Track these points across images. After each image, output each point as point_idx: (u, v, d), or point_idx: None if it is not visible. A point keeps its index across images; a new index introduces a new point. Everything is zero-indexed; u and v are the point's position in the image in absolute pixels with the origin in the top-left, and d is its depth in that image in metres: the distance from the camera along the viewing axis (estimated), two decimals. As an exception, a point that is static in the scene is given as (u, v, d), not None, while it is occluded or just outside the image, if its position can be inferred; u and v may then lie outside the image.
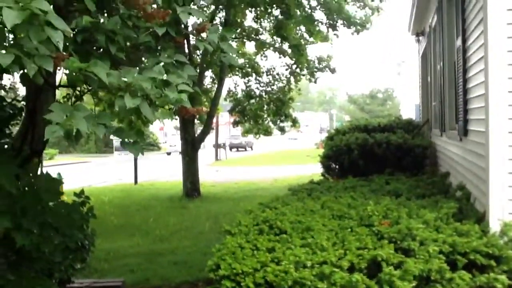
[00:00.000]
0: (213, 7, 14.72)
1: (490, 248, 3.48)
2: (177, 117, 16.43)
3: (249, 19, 16.52)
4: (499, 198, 3.82)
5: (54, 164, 29.48)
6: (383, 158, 7.96)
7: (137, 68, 2.95)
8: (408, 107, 30.55)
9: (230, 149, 47.61)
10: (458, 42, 5.53)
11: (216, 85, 16.69)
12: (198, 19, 3.79)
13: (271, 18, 15.70)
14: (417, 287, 3.23)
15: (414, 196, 5.21)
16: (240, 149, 49.99)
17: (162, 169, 27.92)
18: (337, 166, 8.83)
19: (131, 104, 2.59)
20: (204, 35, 3.67)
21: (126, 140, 2.74)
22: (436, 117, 8.11)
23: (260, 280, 3.33)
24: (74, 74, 2.55)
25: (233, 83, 18.17)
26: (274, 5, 14.29)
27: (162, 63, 3.06)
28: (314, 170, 11.09)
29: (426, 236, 3.62)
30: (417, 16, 9.93)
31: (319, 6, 15.31)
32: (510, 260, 3.47)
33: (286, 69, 17.37)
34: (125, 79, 2.64)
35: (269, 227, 4.13)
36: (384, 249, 3.46)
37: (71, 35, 2.58)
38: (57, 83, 3.89)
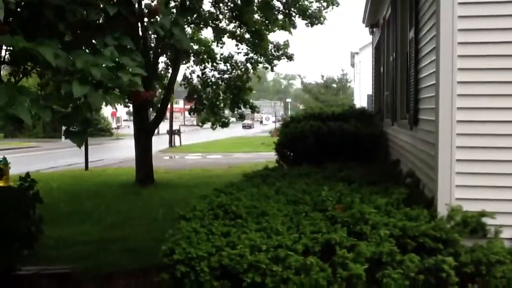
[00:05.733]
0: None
1: (438, 231, 3.62)
2: (129, 102, 16.13)
3: (206, 5, 16.30)
4: (447, 184, 3.96)
5: (-1, 149, 28.22)
6: (336, 146, 8.08)
7: (88, 51, 2.79)
8: (361, 97, 31.21)
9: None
10: (411, 34, 5.67)
11: (170, 71, 16.40)
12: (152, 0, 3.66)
13: (229, 2, 15.54)
14: (369, 269, 3.32)
15: (366, 183, 5.33)
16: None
17: (114, 155, 27.29)
18: (291, 154, 8.91)
19: (79, 93, 2.46)
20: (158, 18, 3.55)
21: (70, 128, 2.60)
22: (388, 107, 8.32)
23: (215, 264, 3.32)
24: (19, 53, 2.39)
25: (189, 70, 17.90)
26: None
27: (111, 46, 2.90)
28: (269, 158, 11.16)
29: (377, 220, 3.72)
30: (371, 8, 10.11)
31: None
32: (456, 243, 3.64)
33: (244, 55, 17.29)
34: (75, 63, 2.49)
35: (224, 212, 4.12)
36: (337, 232, 3.53)
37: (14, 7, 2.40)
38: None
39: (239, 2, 14.62)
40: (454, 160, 3.97)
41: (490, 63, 3.97)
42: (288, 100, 74.32)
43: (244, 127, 69.02)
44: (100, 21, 3.36)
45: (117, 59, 2.69)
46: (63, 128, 2.92)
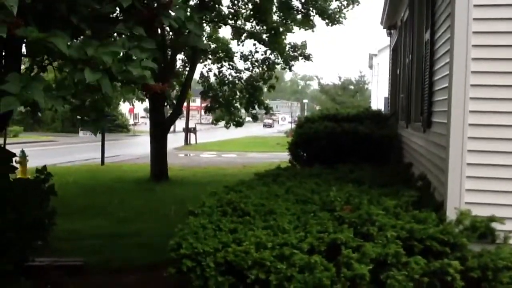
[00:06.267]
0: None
1: (446, 235, 3.60)
2: (146, 97, 16.18)
3: (225, 1, 16.36)
4: (457, 188, 3.93)
5: (18, 141, 28.67)
6: (350, 147, 8.04)
7: (99, 40, 2.85)
8: (379, 99, 31.01)
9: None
10: (427, 36, 5.63)
11: (188, 69, 16.49)
12: None
13: (248, 1, 15.57)
14: (373, 270, 3.31)
15: (376, 185, 5.30)
16: None
17: (130, 151, 27.57)
18: (305, 154, 8.90)
19: (91, 78, 2.51)
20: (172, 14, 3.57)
21: (85, 118, 2.67)
22: (403, 109, 8.26)
23: (220, 259, 3.35)
24: (33, 44, 2.46)
25: (206, 68, 17.97)
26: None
27: (123, 36, 2.95)
28: (284, 158, 11.14)
29: (385, 222, 3.71)
30: (390, 10, 10.05)
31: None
32: (463, 247, 3.61)
33: (262, 55, 17.29)
34: (86, 52, 2.55)
35: (233, 209, 4.15)
36: (343, 233, 3.53)
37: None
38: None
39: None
40: (465, 164, 3.93)
41: (505, 66, 3.92)
42: (305, 101, 74.20)
43: (265, 125, 72.54)
44: (114, 15, 3.40)
45: (127, 51, 2.73)
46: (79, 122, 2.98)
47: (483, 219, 3.80)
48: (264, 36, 16.44)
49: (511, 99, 3.90)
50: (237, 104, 17.49)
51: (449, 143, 3.99)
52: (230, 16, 16.36)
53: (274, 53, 16.89)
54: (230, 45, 17.59)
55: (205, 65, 17.89)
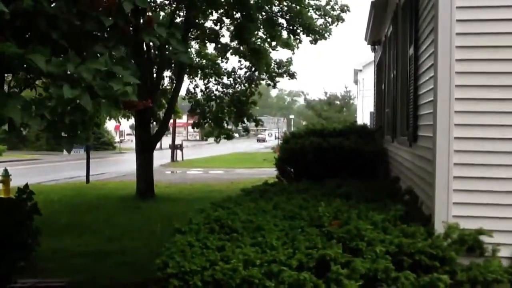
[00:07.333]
0: (173, 5, 14.59)
1: (435, 249, 3.59)
2: (131, 114, 16.04)
3: (210, 21, 16.38)
4: (444, 201, 3.93)
5: (2, 160, 28.26)
6: (336, 162, 8.04)
7: (79, 57, 2.80)
8: (364, 114, 31.27)
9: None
10: (411, 51, 5.70)
11: (174, 85, 16.46)
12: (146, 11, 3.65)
13: (232, 21, 15.64)
14: (364, 286, 3.28)
15: (364, 199, 5.30)
16: None
17: (116, 168, 27.31)
18: (291, 170, 8.88)
19: (70, 95, 2.46)
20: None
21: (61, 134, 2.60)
22: (389, 123, 8.31)
23: (208, 278, 3.29)
24: (11, 59, 2.41)
25: (193, 84, 17.95)
26: (236, 8, 14.23)
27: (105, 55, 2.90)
28: (271, 174, 11.12)
29: (373, 236, 3.69)
30: (374, 25, 10.17)
31: (280, 13, 15.44)
32: (452, 261, 3.60)
33: (245, 72, 17.35)
34: (66, 68, 2.50)
35: (220, 226, 4.09)
36: (332, 248, 3.50)
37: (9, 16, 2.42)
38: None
39: (241, 19, 14.66)
40: (452, 177, 3.95)
41: (488, 80, 3.97)
42: (292, 116, 74.65)
43: (258, 140, 75.87)
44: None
45: (109, 68, 2.69)
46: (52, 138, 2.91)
47: (471, 232, 3.80)
48: (247, 51, 16.51)
49: (496, 112, 3.94)
50: (226, 118, 17.48)
51: (435, 157, 4.01)
52: (214, 35, 16.39)
53: (258, 70, 16.94)
54: (218, 61, 17.63)
55: (191, 81, 17.88)
